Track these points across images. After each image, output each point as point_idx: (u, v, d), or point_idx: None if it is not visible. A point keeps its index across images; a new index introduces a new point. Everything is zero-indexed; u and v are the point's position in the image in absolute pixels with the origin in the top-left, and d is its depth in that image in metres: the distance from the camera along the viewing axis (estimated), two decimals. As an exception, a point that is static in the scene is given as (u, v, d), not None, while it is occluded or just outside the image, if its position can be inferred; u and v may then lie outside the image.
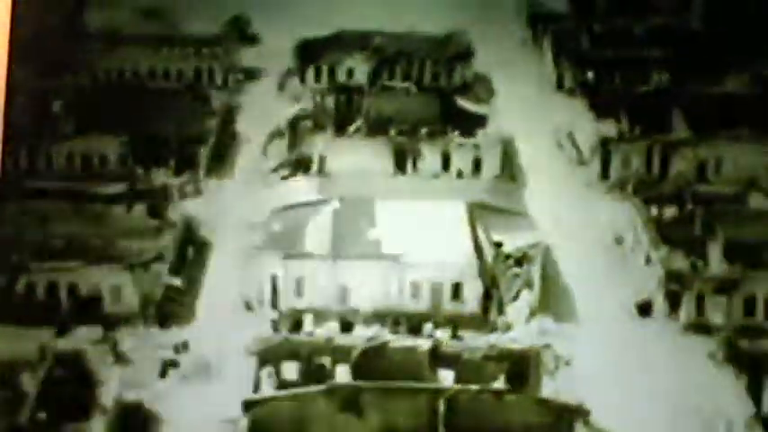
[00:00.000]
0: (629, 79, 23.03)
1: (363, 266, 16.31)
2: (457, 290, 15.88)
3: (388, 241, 16.60)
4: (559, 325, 14.68)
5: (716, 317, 15.87)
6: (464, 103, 21.95)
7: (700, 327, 14.12)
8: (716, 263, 15.66)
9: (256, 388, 14.41)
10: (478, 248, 16.31)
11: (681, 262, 15.19)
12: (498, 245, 16.75)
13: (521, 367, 14.16)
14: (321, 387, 13.71)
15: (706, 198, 18.35)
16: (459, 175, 19.17)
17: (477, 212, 16.52)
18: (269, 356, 14.91)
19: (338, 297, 16.20)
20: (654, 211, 17.57)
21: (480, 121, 21.26)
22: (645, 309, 15.22)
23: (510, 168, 19.81)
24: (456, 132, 19.58)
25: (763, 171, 19.40)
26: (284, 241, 17.23)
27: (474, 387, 13.69)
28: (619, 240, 16.53)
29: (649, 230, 16.63)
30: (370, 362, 14.62)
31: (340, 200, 17.24)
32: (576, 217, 16.85)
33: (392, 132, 20.34)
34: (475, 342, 14.23)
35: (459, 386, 14.02)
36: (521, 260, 16.81)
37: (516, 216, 16.42)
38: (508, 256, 16.65)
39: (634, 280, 14.93)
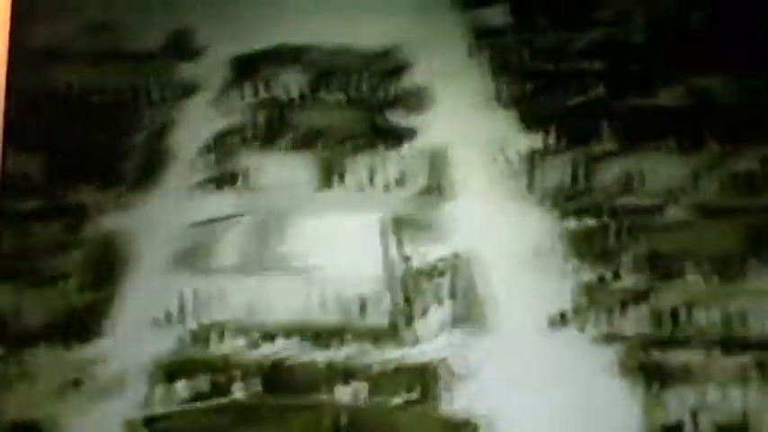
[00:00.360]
0: (565, 92, 23.22)
1: (273, 281, 16.00)
2: (367, 304, 15.67)
3: (300, 255, 16.36)
4: (471, 338, 14.58)
5: (625, 329, 15.86)
6: (394, 117, 21.76)
7: (609, 338, 14.20)
8: (627, 275, 15.75)
9: (158, 404, 14.12)
10: (391, 262, 16.16)
11: (590, 274, 15.23)
12: (410, 258, 16.58)
13: (424, 381, 13.94)
14: (222, 402, 13.42)
15: (625, 210, 18.30)
16: (386, 188, 19.01)
17: (393, 225, 16.34)
18: (172, 373, 14.65)
19: (248, 312, 15.89)
20: (571, 223, 17.48)
21: (409, 134, 21.09)
22: (557, 321, 15.26)
23: (439, 181, 19.67)
24: (383, 146, 19.44)
25: (684, 182, 19.38)
26: (196, 256, 16.94)
27: (377, 401, 13.44)
28: (538, 253, 16.52)
29: (564, 243, 16.59)
30: (274, 377, 14.36)
31: (254, 214, 17.01)
32: (501, 230, 16.79)
33: (319, 146, 20.19)
34: (381, 356, 14.05)
35: (363, 401, 13.74)
36: (433, 273, 16.63)
37: (433, 229, 16.30)
38: (421, 270, 16.46)
39: (549, 292, 14.93)
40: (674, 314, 13.21)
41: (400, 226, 15.76)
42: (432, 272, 14.47)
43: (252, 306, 16.92)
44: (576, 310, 14.05)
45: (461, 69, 25.28)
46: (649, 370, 12.06)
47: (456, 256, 15.47)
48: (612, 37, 25.39)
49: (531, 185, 19.84)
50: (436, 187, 19.89)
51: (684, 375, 12.12)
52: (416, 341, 14.18)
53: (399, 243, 15.43)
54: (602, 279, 13.49)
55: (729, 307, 13.49)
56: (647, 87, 21.85)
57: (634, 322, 13.49)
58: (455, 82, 24.23)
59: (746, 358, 12.22)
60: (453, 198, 20.23)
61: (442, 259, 14.42)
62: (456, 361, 12.71)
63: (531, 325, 15.22)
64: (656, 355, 12.12)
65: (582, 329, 14.39)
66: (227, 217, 17.96)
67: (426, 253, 15.33)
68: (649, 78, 22.13)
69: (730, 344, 13.45)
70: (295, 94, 24.58)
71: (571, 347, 14.54)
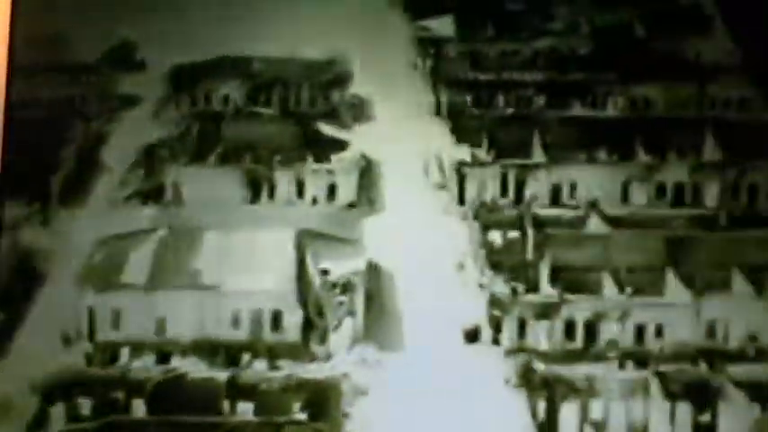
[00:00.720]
0: (501, 103, 23.11)
1: (182, 297, 16.05)
2: (277, 319, 15.69)
3: (211, 270, 16.40)
4: (383, 353, 14.52)
5: (537, 341, 15.83)
6: (329, 129, 21.80)
7: (521, 351, 14.06)
8: (543, 287, 15.63)
9: (48, 424, 14.22)
10: (305, 276, 16.14)
11: (503, 286, 15.12)
12: (325, 272, 16.59)
13: (320, 398, 13.98)
14: (107, 421, 13.48)
15: (546, 222, 18.23)
16: (314, 201, 19.01)
17: (308, 240, 16.35)
18: (63, 391, 14.72)
19: (156, 328, 15.92)
20: (492, 235, 17.45)
21: (341, 146, 21.11)
22: (472, 335, 15.14)
23: (369, 194, 19.67)
24: (312, 159, 19.42)
25: (611, 194, 19.35)
26: (106, 272, 17.00)
27: (272, 419, 13.49)
28: (460, 266, 16.42)
29: (483, 255, 16.54)
30: (166, 395, 14.41)
31: (170, 229, 17.06)
32: (423, 243, 16.73)
33: (247, 159, 20.19)
34: (287, 372, 14.04)
35: (256, 419, 13.82)
36: (348, 287, 16.64)
37: (349, 243, 16.24)
38: (335, 284, 16.47)
39: (466, 306, 14.84)
40: (587, 327, 13.00)
41: (317, 240, 15.42)
42: (347, 286, 14.16)
43: (160, 323, 16.19)
44: (491, 324, 13.70)
45: (403, 81, 24.54)
46: (550, 383, 11.83)
47: (373, 269, 15.11)
48: (558, 48, 24.71)
49: (459, 198, 19.18)
50: (365, 200, 19.27)
51: (587, 388, 11.85)
52: (329, 356, 13.82)
53: (315, 257, 15.09)
54: (514, 291, 13.27)
55: (644, 319, 13.22)
56: (586, 98, 21.20)
57: (546, 335, 13.15)
58: (395, 93, 23.51)
59: (647, 372, 11.97)
60: (379, 211, 19.60)
61: (357, 273, 14.13)
62: (362, 376, 12.43)
63: (448, 339, 14.78)
64: (559, 368, 11.91)
65: (496, 342, 13.98)
66: (143, 232, 17.32)
67: (343, 267, 14.94)
68: (590, 89, 21.47)
69: (640, 357, 13.14)
70: (232, 106, 23.75)
71: (486, 360, 14.12)
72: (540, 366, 12.61)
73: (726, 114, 18.83)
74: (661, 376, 12.08)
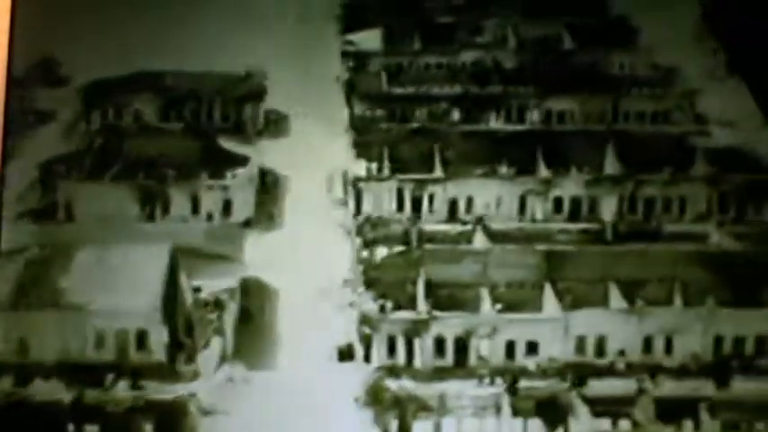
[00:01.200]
0: (420, 117, 22.96)
1: (45, 317, 15.85)
2: (143, 338, 15.48)
3: (79, 289, 16.21)
4: (253, 372, 14.32)
5: (407, 359, 15.66)
6: (230, 144, 21.63)
7: (391, 370, 13.88)
8: (419, 304, 15.46)
9: None
10: (176, 294, 15.94)
11: (373, 304, 14.94)
12: (197, 290, 16.42)
13: (171, 418, 13.76)
14: None
15: (434, 237, 18.07)
16: (209, 218, 18.85)
17: (184, 257, 16.15)
18: None
19: (18, 350, 15.73)
20: (374, 251, 17.27)
21: (240, 162, 20.94)
22: (345, 353, 14.94)
23: (270, 210, 19.48)
24: (206, 174, 19.27)
25: (505, 208, 19.17)
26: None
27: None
28: (345, 282, 16.25)
29: (360, 271, 16.37)
30: (8, 418, 14.18)
31: (38, 247, 16.90)
32: (316, 259, 16.55)
33: (141, 176, 20.02)
34: (138, 392, 13.84)
35: (106, 440, 13.66)
36: (217, 305, 16.47)
37: (227, 260, 16.06)
38: (206, 303, 16.30)
39: (342, 323, 14.66)
40: (457, 344, 12.81)
41: (193, 257, 15.25)
42: (218, 303, 13.98)
43: (22, 343, 15.92)
44: (362, 342, 13.51)
45: (323, 96, 24.41)
46: (401, 400, 11.65)
47: (254, 287, 14.94)
48: (482, 61, 24.57)
49: (356, 214, 18.96)
50: (264, 217, 19.10)
51: (439, 405, 11.69)
52: (195, 376, 13.62)
53: (189, 274, 14.90)
54: (383, 309, 13.08)
55: (515, 336, 13.04)
56: (501, 112, 21.04)
57: (418, 352, 12.96)
58: (313, 108, 23.36)
59: (500, 389, 11.79)
60: (277, 228, 19.41)
61: (228, 290, 13.96)
62: (222, 396, 12.25)
63: (322, 357, 14.57)
64: (412, 385, 11.73)
65: (367, 360, 13.78)
66: (15, 251, 17.10)
67: (217, 284, 14.76)
68: (506, 103, 21.34)
69: (509, 373, 12.94)
70: (141, 121, 23.48)
71: (357, 379, 13.89)
72: (391, 384, 12.42)
73: (629, 128, 18.73)
74: (512, 393, 11.91)
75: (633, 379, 12.85)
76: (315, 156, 24.70)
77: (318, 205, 23.30)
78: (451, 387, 12.35)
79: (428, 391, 11.87)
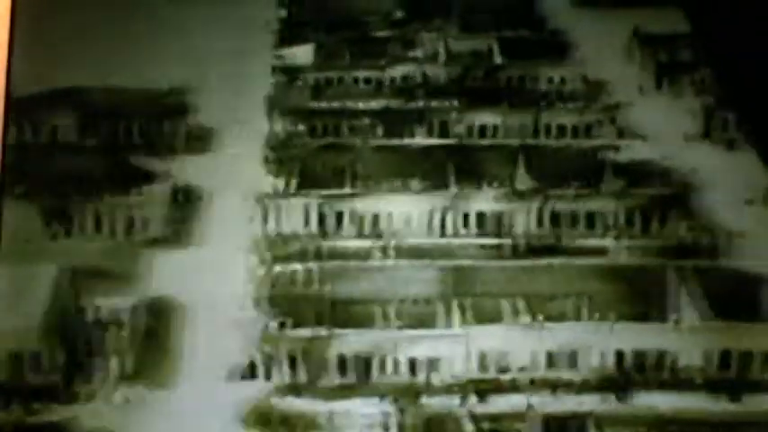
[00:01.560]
0: (340, 132, 22.83)
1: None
2: (38, 360, 15.05)
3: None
4: (152, 392, 14.01)
5: (306, 377, 15.44)
6: (142, 161, 21.25)
7: (290, 388, 13.70)
8: (323, 320, 15.31)
9: None
10: (71, 314, 15.55)
11: (274, 322, 14.74)
12: (97, 309, 16.04)
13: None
14: None
15: (342, 254, 17.86)
16: (113, 235, 18.44)
17: (83, 276, 15.74)
18: None
19: None
20: (275, 269, 17.03)
21: (151, 178, 20.58)
22: (244, 371, 14.73)
23: (182, 227, 19.15)
24: (110, 192, 18.92)
25: (416, 224, 19.05)
26: None
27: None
28: (249, 301, 16.04)
29: (261, 289, 16.12)
30: None
31: (-65, 271, 16.51)
32: (222, 277, 16.33)
33: (44, 194, 19.65)
34: (32, 417, 13.43)
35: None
36: (117, 325, 16.09)
37: (129, 279, 15.70)
38: (107, 322, 15.91)
39: (244, 341, 14.46)
40: (360, 362, 12.69)
41: (90, 277, 15.00)
42: (118, 323, 13.74)
43: None
44: (263, 360, 13.37)
45: (250, 111, 24.31)
46: (289, 419, 11.50)
47: (158, 306, 14.74)
48: (412, 75, 24.70)
49: (263, 231, 18.90)
50: (175, 234, 18.94)
51: (328, 424, 11.59)
52: (91, 397, 13.38)
53: (87, 294, 14.64)
54: (282, 326, 12.94)
55: (417, 353, 12.97)
56: (423, 125, 21.09)
57: (318, 370, 12.83)
58: (239, 124, 23.28)
59: (391, 407, 11.71)
60: (188, 245, 19.23)
61: (128, 309, 13.72)
62: (115, 417, 12.01)
63: (227, 375, 14.41)
64: (301, 404, 11.60)
65: (268, 379, 13.67)
66: None
67: (117, 303, 14.53)
68: (429, 116, 21.40)
69: (412, 391, 12.88)
70: (56, 138, 23.16)
71: (257, 397, 13.73)
72: (279, 403, 12.20)
73: (541, 142, 18.76)
74: (401, 410, 11.81)
75: (533, 395, 12.80)
76: (234, 173, 24.35)
77: (231, 222, 22.96)
78: (342, 406, 12.26)
79: (318, 409, 11.76)
